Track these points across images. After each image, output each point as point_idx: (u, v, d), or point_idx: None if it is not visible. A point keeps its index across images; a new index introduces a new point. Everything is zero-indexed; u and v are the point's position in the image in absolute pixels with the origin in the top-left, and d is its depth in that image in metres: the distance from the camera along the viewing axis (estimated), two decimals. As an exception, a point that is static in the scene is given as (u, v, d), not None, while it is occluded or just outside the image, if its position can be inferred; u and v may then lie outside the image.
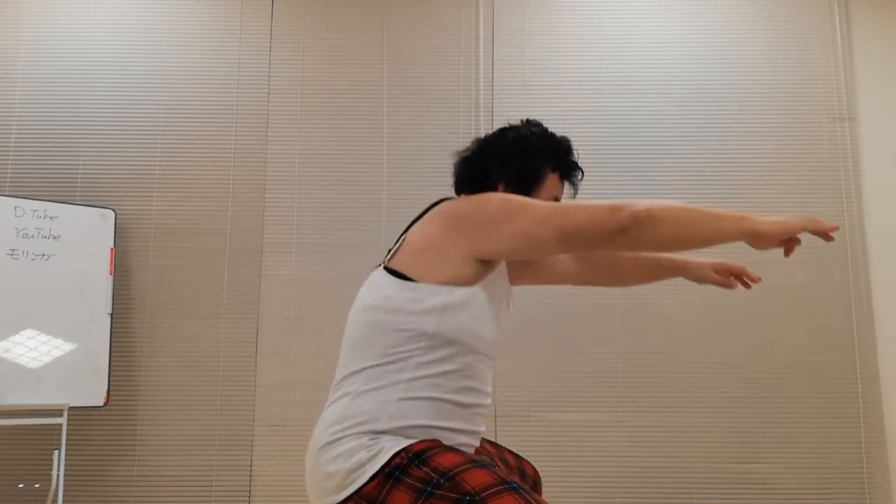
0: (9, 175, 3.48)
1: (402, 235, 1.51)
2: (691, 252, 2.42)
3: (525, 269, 1.76)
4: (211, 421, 3.33)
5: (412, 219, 3.35)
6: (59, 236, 3.13)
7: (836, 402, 3.31)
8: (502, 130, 1.59)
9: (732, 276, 1.76)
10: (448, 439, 1.40)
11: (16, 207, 3.08)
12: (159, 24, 3.63)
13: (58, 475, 2.95)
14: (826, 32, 3.60)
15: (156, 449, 3.30)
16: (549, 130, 1.60)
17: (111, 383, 3.26)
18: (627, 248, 1.33)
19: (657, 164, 3.50)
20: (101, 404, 3.08)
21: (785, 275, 3.39)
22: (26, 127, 3.52)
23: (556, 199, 1.59)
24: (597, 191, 3.45)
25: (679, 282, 3.32)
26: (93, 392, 3.06)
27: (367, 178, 3.51)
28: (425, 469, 1.29)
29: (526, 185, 1.54)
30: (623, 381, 3.35)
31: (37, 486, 3.25)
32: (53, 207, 3.15)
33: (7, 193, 3.43)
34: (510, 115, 3.53)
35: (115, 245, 3.29)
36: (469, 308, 1.41)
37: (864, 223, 3.45)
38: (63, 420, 2.97)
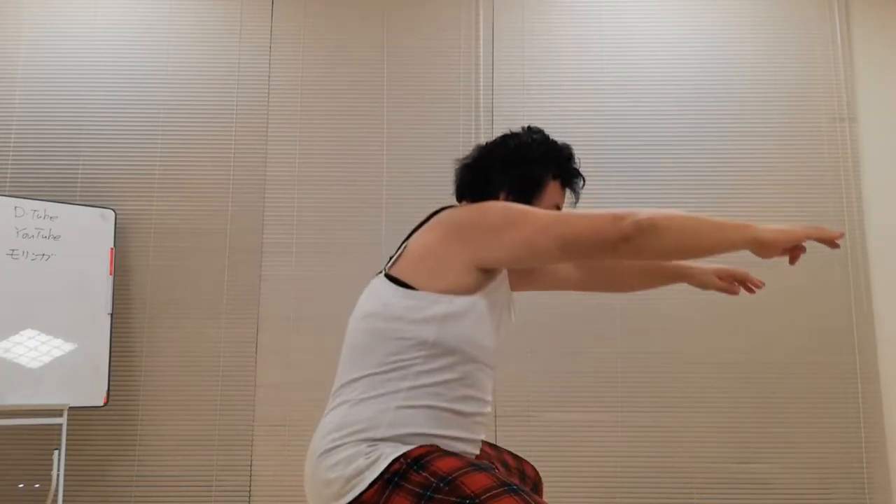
0: (9, 175, 3.47)
1: (403, 243, 1.51)
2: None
3: (526, 275, 1.76)
4: (211, 421, 3.33)
5: (413, 222, 3.37)
6: (59, 236, 3.13)
7: (836, 402, 3.32)
8: (504, 137, 1.59)
9: (736, 282, 1.76)
10: (448, 447, 1.40)
11: (16, 207, 3.08)
12: (159, 24, 3.62)
13: (58, 475, 2.95)
14: (826, 32, 3.59)
15: (156, 449, 3.31)
16: (551, 138, 1.60)
17: (111, 383, 3.26)
18: (629, 257, 1.33)
19: (657, 165, 3.50)
20: (101, 404, 3.08)
21: (785, 275, 3.39)
22: (26, 127, 3.52)
23: (558, 207, 1.59)
24: (597, 191, 3.45)
25: (679, 283, 3.31)
26: (93, 392, 3.06)
27: (367, 178, 3.51)
28: (424, 474, 1.29)
29: (527, 192, 1.54)
30: (623, 381, 3.35)
31: (37, 486, 3.25)
32: (53, 207, 3.15)
33: (7, 193, 3.43)
34: (510, 115, 3.53)
35: (115, 245, 3.29)
36: (470, 317, 1.41)
37: (864, 223, 3.44)
38: (63, 420, 2.97)
